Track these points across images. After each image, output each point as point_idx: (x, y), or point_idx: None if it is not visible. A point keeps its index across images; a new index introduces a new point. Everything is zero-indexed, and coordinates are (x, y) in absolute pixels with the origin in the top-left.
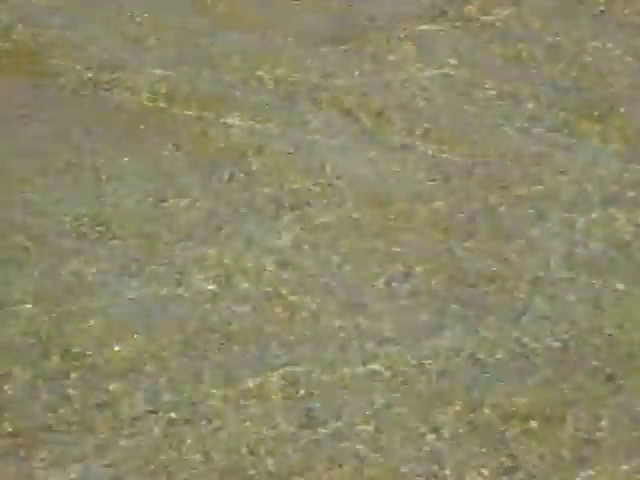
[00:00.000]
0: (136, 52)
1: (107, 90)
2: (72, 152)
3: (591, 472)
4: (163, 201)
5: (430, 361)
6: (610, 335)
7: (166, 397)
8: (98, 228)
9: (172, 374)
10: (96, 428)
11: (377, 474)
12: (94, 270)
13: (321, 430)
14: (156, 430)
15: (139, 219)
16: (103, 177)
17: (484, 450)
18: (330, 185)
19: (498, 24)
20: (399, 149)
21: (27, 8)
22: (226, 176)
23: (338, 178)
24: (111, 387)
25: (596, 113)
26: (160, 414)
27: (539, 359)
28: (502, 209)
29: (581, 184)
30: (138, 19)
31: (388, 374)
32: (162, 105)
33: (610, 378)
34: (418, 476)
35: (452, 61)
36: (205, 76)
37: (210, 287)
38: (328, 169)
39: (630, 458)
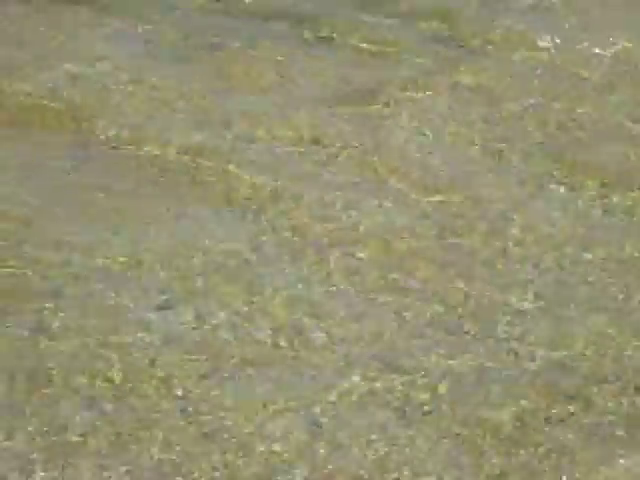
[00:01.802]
0: (166, 112)
1: (141, 146)
2: (111, 199)
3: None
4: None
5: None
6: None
7: None
8: (132, 268)
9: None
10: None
11: None
12: (131, 305)
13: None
14: None
15: (170, 259)
16: (140, 221)
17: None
18: (343, 229)
19: (484, 88)
20: (401, 198)
21: (72, 74)
22: (248, 221)
23: (351, 222)
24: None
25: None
26: None
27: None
28: (501, 261)
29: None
30: (167, 83)
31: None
32: (188, 159)
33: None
34: None
35: (448, 122)
36: (226, 133)
37: (232, 318)
38: (344, 217)
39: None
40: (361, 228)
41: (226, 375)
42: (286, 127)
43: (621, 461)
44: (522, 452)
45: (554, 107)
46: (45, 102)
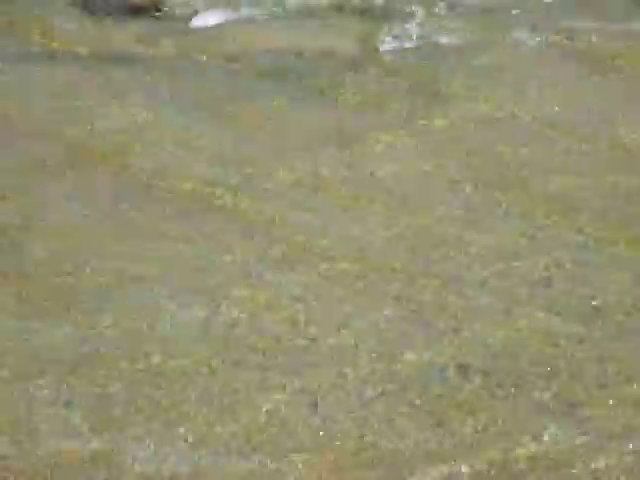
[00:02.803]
0: (187, 153)
1: (166, 179)
2: (143, 219)
3: None
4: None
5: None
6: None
7: None
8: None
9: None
10: None
11: None
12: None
13: None
14: None
15: (193, 267)
16: (168, 237)
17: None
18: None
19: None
20: (380, 219)
21: (115, 121)
22: (257, 240)
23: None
24: None
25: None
26: None
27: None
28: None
29: None
30: (187, 128)
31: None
32: (209, 191)
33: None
34: None
35: (420, 158)
36: (237, 169)
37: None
38: (331, 236)
39: None
40: (345, 244)
41: (237, 359)
42: (283, 165)
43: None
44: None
45: (505, 150)
46: (95, 144)
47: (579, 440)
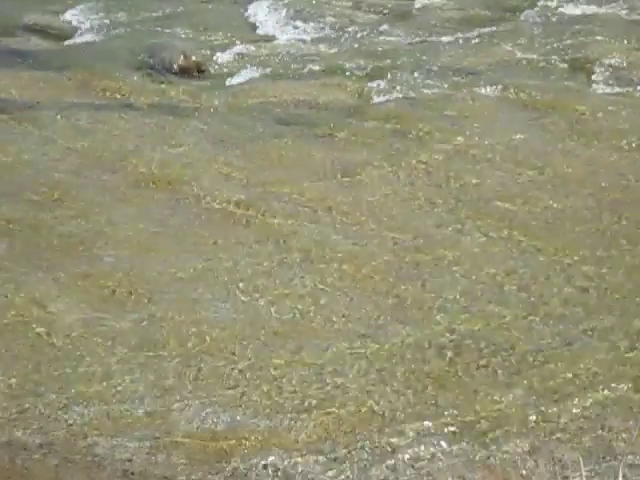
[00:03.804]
0: (224, 180)
1: (209, 201)
2: (190, 229)
3: None
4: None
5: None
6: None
7: None
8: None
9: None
10: None
11: None
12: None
13: None
14: None
15: (229, 269)
16: (206, 243)
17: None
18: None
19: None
20: (371, 234)
21: (167, 155)
22: (276, 247)
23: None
24: None
25: None
26: None
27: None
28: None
29: None
30: (221, 162)
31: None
32: (239, 209)
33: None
34: None
35: (405, 187)
36: (260, 193)
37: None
38: (335, 245)
39: None
40: (344, 251)
41: (262, 339)
42: (296, 190)
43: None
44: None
45: (470, 179)
46: (152, 174)
47: (523, 400)
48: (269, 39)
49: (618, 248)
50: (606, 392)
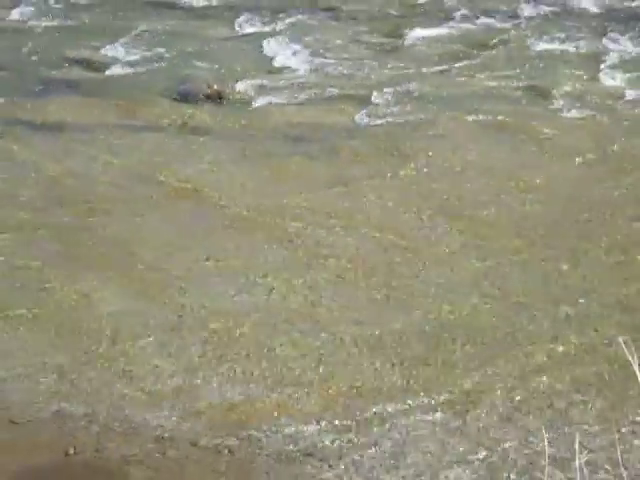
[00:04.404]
0: (240, 190)
1: (227, 208)
2: (216, 232)
3: None
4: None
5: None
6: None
7: None
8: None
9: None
10: None
11: None
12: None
13: None
14: None
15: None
16: (232, 248)
17: None
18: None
19: (413, 178)
20: (366, 235)
21: (195, 169)
22: (286, 246)
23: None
24: None
25: None
26: None
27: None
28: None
29: None
30: (238, 174)
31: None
32: (254, 214)
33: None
34: None
35: (391, 197)
36: (271, 201)
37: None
38: (335, 244)
39: None
40: (345, 250)
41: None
42: (302, 198)
43: None
44: None
45: (450, 190)
46: (179, 185)
47: (494, 377)
48: (280, 71)
49: (575, 245)
50: (565, 373)
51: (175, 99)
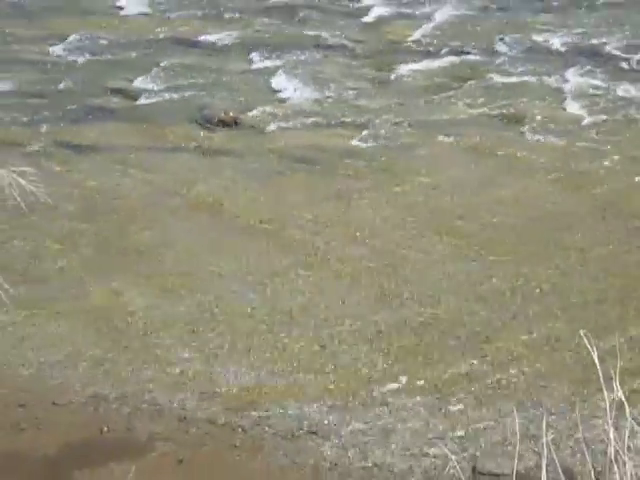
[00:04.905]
0: (252, 203)
1: (242, 219)
2: (228, 240)
3: None
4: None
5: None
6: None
7: None
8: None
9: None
10: None
11: None
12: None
13: None
14: None
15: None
16: (245, 254)
17: None
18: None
19: (401, 195)
20: (360, 242)
21: (214, 184)
22: (293, 253)
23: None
24: None
25: None
26: None
27: None
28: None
29: None
30: (250, 190)
31: None
32: (264, 225)
33: None
34: None
35: (384, 209)
36: (280, 213)
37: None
38: (334, 249)
39: None
40: (344, 255)
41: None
42: (306, 211)
43: None
44: None
45: (436, 204)
46: (201, 199)
47: (473, 365)
48: (286, 100)
49: (540, 250)
50: (533, 362)
51: (196, 124)
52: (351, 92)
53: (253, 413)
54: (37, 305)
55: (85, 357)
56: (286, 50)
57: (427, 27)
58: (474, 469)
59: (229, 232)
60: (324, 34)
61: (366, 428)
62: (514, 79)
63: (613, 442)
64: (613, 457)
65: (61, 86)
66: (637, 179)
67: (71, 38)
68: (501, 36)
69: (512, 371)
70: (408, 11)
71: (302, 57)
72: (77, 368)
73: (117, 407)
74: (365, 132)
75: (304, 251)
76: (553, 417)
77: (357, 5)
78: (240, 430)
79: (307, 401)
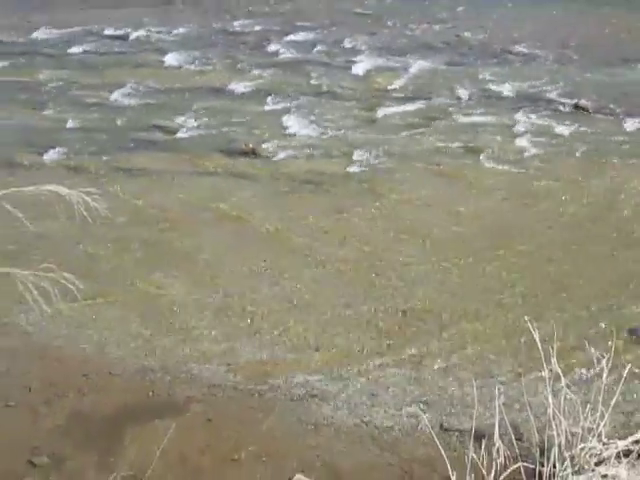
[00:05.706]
0: (266, 215)
1: (257, 227)
2: (245, 246)
3: None
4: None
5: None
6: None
7: None
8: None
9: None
10: None
11: None
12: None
13: None
14: None
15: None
16: (255, 257)
17: None
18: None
19: (388, 209)
20: (354, 247)
21: (234, 202)
22: (297, 255)
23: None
24: None
25: None
26: None
27: None
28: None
29: None
30: (264, 206)
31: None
32: (275, 233)
33: None
34: None
35: (372, 223)
36: (288, 221)
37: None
38: (333, 253)
39: None
40: (339, 257)
41: (280, 308)
42: (309, 221)
43: None
44: None
45: (409, 217)
46: (226, 213)
47: (444, 343)
48: (294, 135)
49: (493, 254)
50: (488, 342)
51: (223, 153)
52: (344, 129)
53: (268, 381)
54: (97, 296)
55: (134, 336)
56: (293, 96)
57: (405, 78)
58: (441, 426)
59: (248, 238)
60: (324, 83)
61: (356, 393)
62: (474, 118)
63: (552, 405)
64: (552, 416)
65: (117, 123)
66: (567, 197)
67: (125, 85)
68: (463, 85)
69: (471, 349)
70: (390, 64)
71: (306, 101)
72: (128, 345)
73: (160, 376)
74: (356, 161)
75: (307, 253)
76: (503, 385)
77: (350, 59)
78: (257, 395)
79: (310, 372)
